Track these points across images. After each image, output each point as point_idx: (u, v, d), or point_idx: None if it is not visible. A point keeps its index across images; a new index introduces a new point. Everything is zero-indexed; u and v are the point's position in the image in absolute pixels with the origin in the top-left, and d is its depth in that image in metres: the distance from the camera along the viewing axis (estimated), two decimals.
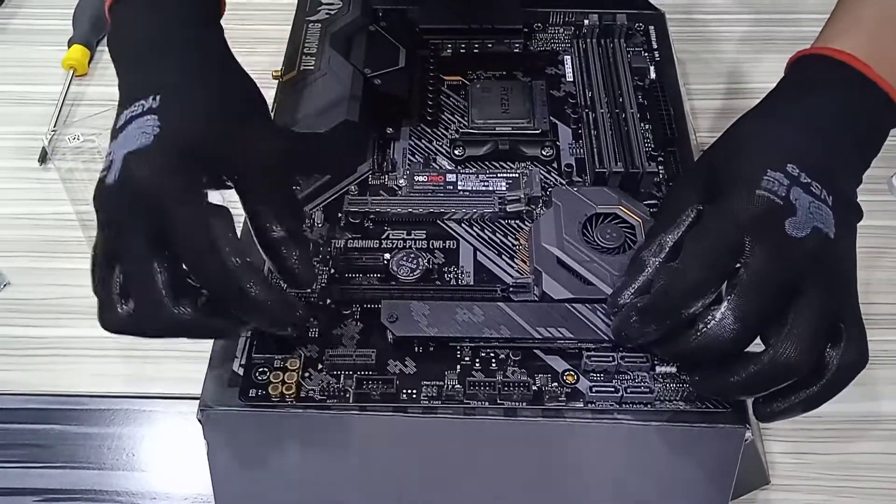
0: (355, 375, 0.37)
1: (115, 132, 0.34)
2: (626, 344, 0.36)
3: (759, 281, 0.32)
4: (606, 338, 0.37)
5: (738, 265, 0.33)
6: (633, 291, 0.36)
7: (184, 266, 0.32)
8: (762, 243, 0.32)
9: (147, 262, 0.31)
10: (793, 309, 0.32)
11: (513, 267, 0.42)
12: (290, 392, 0.37)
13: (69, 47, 0.58)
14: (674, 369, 0.37)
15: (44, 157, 0.53)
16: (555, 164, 0.46)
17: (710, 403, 0.37)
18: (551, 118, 0.48)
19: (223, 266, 0.32)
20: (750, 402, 0.35)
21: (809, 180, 0.33)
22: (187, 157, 0.33)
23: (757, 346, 0.33)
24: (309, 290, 0.40)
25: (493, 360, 0.38)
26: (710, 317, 0.32)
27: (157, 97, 0.33)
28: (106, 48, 0.60)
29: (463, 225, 0.43)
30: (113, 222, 0.32)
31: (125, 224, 0.32)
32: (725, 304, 0.32)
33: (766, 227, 0.33)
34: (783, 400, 0.33)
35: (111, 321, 0.33)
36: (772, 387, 0.33)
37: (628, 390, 0.37)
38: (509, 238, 0.43)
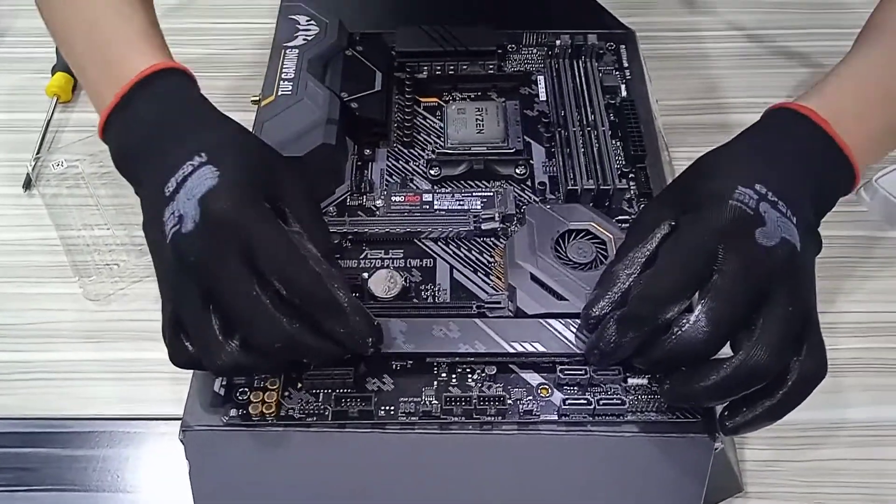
0: (334, 394, 0.38)
1: (169, 198, 0.35)
2: (603, 362, 0.37)
3: (731, 285, 0.34)
4: (579, 351, 0.38)
5: (712, 272, 0.34)
6: (605, 303, 0.37)
7: (276, 283, 0.34)
8: (734, 250, 0.34)
9: (250, 283, 0.33)
10: (762, 315, 0.33)
11: (488, 283, 0.43)
12: (271, 411, 0.37)
13: (53, 75, 0.59)
14: (645, 381, 0.38)
15: (28, 184, 0.54)
16: (528, 183, 0.47)
17: (681, 414, 0.38)
18: (525, 137, 0.49)
19: (313, 271, 0.35)
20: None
21: (776, 199, 0.35)
22: (252, 187, 0.36)
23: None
24: None
25: (469, 376, 0.39)
26: (684, 321, 0.34)
27: (203, 154, 0.36)
28: None
29: (439, 243, 0.44)
30: (202, 262, 0.34)
31: (217, 256, 0.34)
32: (699, 307, 0.34)
33: (738, 234, 0.34)
34: (746, 411, 0.34)
35: (225, 362, 0.34)
36: (739, 392, 0.34)
37: (601, 402, 0.37)
38: (485, 255, 0.44)
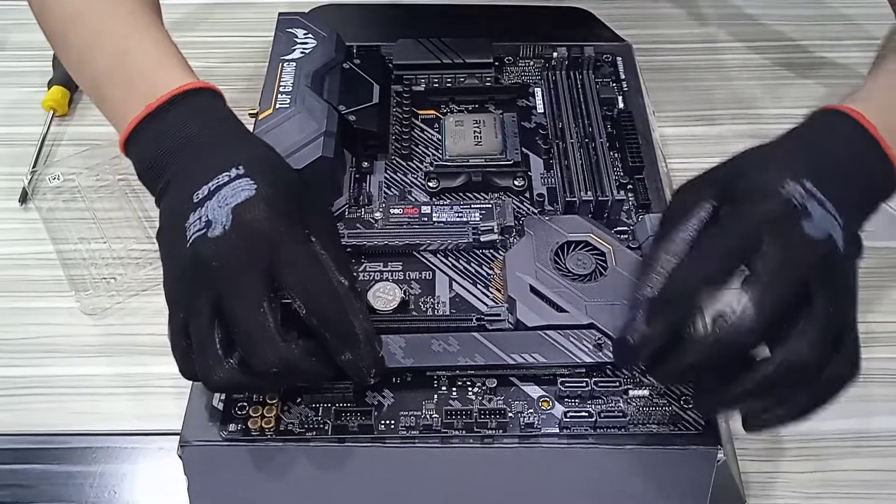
0: (334, 408, 0.38)
1: (198, 204, 0.36)
2: (630, 357, 0.36)
3: (777, 272, 0.33)
4: (580, 362, 0.38)
5: (754, 261, 0.33)
6: (653, 283, 0.35)
7: (297, 301, 0.34)
8: (780, 237, 0.34)
9: (260, 299, 0.34)
10: (804, 312, 0.33)
11: (488, 296, 0.42)
12: (270, 426, 0.37)
13: (49, 88, 0.59)
14: (646, 392, 0.38)
15: (24, 198, 0.54)
16: (527, 194, 0.47)
17: (683, 426, 0.38)
18: (523, 149, 0.49)
19: (336, 293, 0.35)
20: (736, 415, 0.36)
21: (823, 198, 0.35)
22: (288, 206, 0.36)
23: None
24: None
25: (470, 389, 0.39)
26: (729, 310, 0.33)
27: (241, 167, 0.36)
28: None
29: (438, 256, 0.44)
30: (221, 268, 0.34)
31: (237, 265, 0.34)
32: (746, 296, 0.33)
33: (785, 223, 0.34)
34: (774, 409, 0.34)
35: (220, 378, 0.34)
36: (780, 389, 0.33)
37: (602, 415, 0.37)
38: (484, 268, 0.44)
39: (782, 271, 0.33)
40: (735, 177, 0.37)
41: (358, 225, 0.45)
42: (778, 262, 0.33)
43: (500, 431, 0.38)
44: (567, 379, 0.38)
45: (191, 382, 0.40)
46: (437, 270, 0.44)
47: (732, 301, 0.33)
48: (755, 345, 0.33)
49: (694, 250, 0.35)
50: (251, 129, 0.46)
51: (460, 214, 0.45)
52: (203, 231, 0.35)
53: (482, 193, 0.47)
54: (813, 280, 0.33)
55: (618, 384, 0.38)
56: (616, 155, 0.49)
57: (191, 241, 0.35)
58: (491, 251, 0.44)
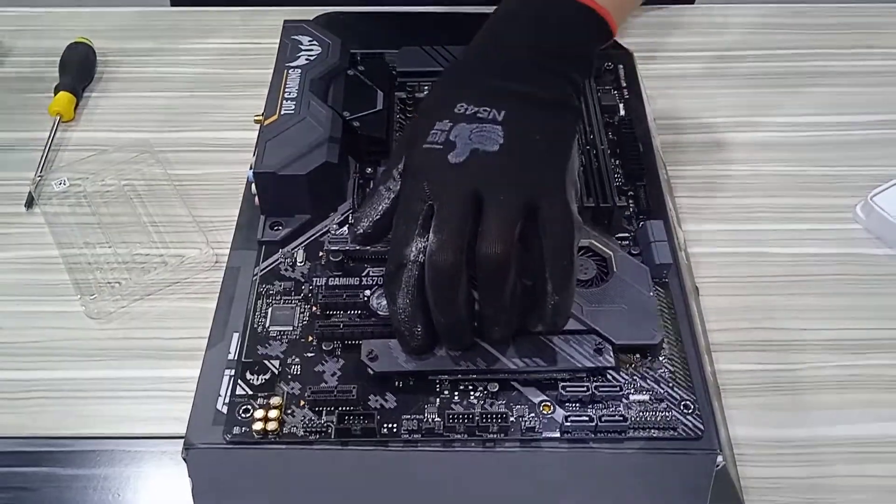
0: (337, 411, 0.38)
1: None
2: (407, 327, 0.38)
3: (442, 202, 0.36)
4: (581, 366, 0.39)
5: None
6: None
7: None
8: (432, 177, 0.36)
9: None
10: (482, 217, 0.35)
11: None
12: (273, 429, 0.38)
13: (55, 94, 0.60)
14: (646, 397, 0.39)
15: (30, 202, 0.54)
16: None
17: (684, 430, 0.38)
18: None
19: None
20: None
21: (476, 109, 0.37)
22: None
23: None
24: (291, 328, 0.41)
25: (472, 393, 0.39)
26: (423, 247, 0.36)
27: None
28: (91, 94, 0.62)
29: None
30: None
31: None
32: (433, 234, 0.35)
33: (433, 166, 0.37)
34: (543, 300, 0.36)
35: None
36: (503, 284, 0.35)
37: (603, 419, 0.38)
38: None
39: (444, 199, 0.35)
40: (405, 144, 0.39)
41: None
42: (435, 194, 0.36)
43: (502, 435, 0.38)
44: (568, 383, 0.39)
45: (194, 387, 0.40)
46: None
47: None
48: (458, 262, 0.35)
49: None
50: (258, 134, 0.47)
51: None
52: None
53: None
54: (476, 188, 0.35)
55: (618, 389, 0.39)
56: (617, 162, 0.49)
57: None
58: None
